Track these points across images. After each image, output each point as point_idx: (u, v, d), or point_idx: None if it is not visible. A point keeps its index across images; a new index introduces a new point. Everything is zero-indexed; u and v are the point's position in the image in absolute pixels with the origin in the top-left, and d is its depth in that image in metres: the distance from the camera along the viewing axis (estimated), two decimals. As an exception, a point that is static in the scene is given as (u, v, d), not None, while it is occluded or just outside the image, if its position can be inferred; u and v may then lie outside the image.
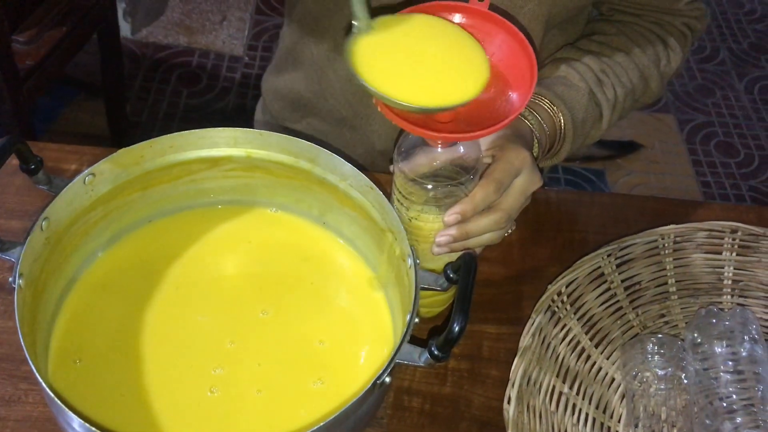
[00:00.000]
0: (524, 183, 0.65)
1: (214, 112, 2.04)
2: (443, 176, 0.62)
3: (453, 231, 0.62)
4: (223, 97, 2.10)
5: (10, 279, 0.53)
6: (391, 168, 0.65)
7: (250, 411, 0.59)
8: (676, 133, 2.24)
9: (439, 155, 0.61)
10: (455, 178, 0.62)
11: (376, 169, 0.89)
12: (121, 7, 2.06)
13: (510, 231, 0.67)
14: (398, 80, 0.55)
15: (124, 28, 2.14)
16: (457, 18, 0.59)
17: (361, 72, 0.55)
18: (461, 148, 0.61)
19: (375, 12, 0.57)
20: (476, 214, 0.62)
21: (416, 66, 0.56)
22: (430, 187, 0.62)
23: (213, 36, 2.27)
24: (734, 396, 0.66)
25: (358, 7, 0.55)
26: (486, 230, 0.63)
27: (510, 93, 0.58)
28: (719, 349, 0.69)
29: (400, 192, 0.64)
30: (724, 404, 0.66)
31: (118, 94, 1.87)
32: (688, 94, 2.34)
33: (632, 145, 2.17)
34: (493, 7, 0.60)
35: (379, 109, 0.56)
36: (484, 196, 0.62)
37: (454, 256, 0.59)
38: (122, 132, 1.88)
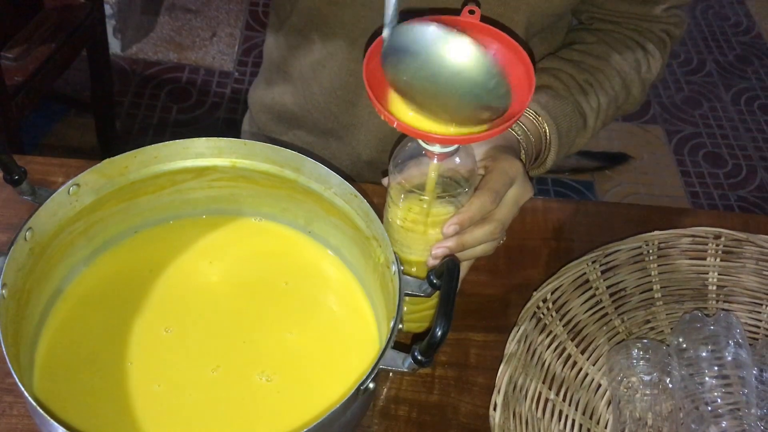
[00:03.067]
0: (517, 193, 0.66)
1: (204, 127, 2.05)
2: (438, 188, 0.62)
3: (450, 243, 0.62)
4: (213, 112, 2.11)
5: (-7, 289, 0.53)
6: (384, 181, 0.65)
7: (236, 421, 0.58)
8: (665, 144, 2.25)
9: (435, 166, 0.61)
10: (450, 190, 0.62)
11: (363, 179, 0.89)
12: (110, 24, 2.07)
13: (501, 242, 0.68)
14: (424, 108, 0.57)
15: (114, 45, 2.15)
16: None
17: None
18: (457, 159, 0.61)
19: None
20: (472, 224, 0.62)
21: (441, 91, 0.57)
22: (425, 198, 0.62)
23: (203, 52, 2.28)
24: (720, 400, 0.66)
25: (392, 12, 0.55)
26: (481, 241, 0.64)
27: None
28: (704, 354, 0.69)
29: (394, 203, 0.64)
30: (710, 408, 0.66)
31: (108, 110, 1.87)
32: (675, 105, 2.36)
33: (621, 156, 2.18)
34: (484, 18, 0.60)
35: (383, 117, 0.56)
36: (481, 206, 0.62)
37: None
38: (112, 148, 1.88)
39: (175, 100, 2.11)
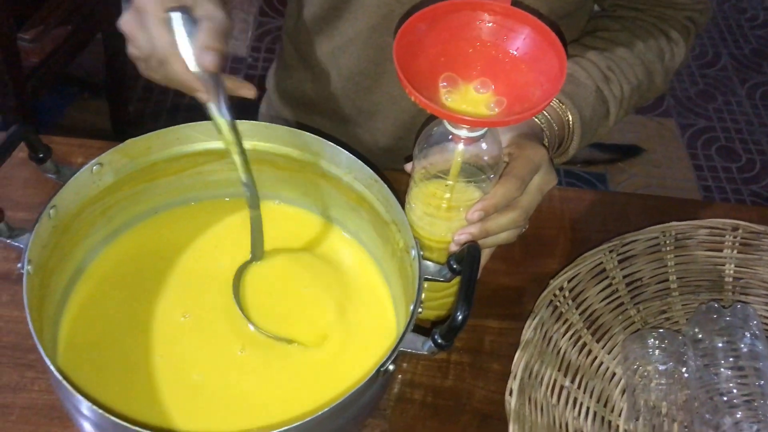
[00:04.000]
0: (542, 181, 0.65)
1: (217, 112, 2.05)
2: (463, 174, 0.62)
3: (473, 229, 0.62)
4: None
5: (19, 265, 0.54)
6: (407, 166, 0.65)
7: (255, 398, 0.59)
8: (678, 137, 2.25)
9: (460, 152, 0.61)
10: (474, 176, 0.62)
11: (380, 166, 0.89)
12: (125, 7, 2.07)
13: (524, 229, 0.68)
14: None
15: (129, 29, 2.15)
16: (483, 15, 0.59)
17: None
18: (483, 144, 0.60)
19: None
20: (496, 212, 0.62)
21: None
22: (450, 184, 0.61)
23: (216, 37, 2.27)
24: (735, 391, 0.66)
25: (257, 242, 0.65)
26: (505, 228, 0.63)
27: (536, 86, 0.58)
28: (720, 345, 0.69)
29: (418, 189, 0.64)
30: (725, 399, 0.66)
31: (121, 93, 1.88)
32: (689, 98, 2.35)
33: (634, 148, 2.18)
34: (516, 3, 0.60)
35: (413, 99, 0.56)
36: (506, 193, 0.62)
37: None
38: (125, 131, 1.88)
39: (189, 85, 2.11)
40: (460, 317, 0.50)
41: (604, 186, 2.07)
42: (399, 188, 0.67)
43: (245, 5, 2.39)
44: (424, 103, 0.55)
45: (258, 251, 0.66)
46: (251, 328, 0.63)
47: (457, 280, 0.60)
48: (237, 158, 0.61)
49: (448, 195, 0.62)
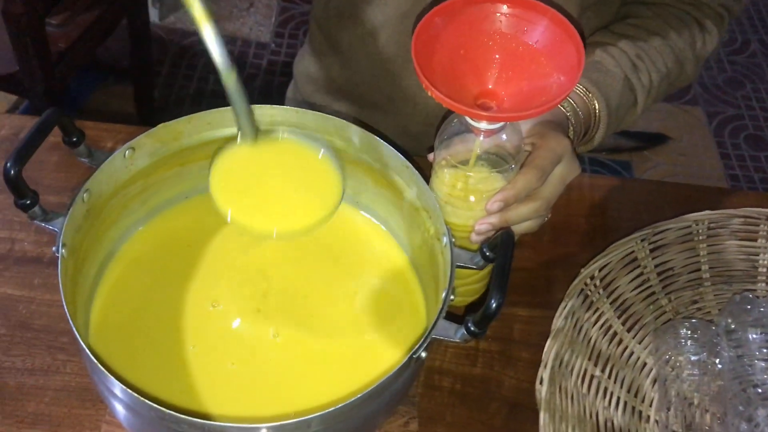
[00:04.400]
0: (564, 171, 0.65)
1: (240, 98, 2.05)
2: (484, 164, 0.62)
3: (493, 219, 0.61)
4: (250, 83, 2.11)
5: (54, 249, 0.54)
6: (430, 156, 0.65)
7: (285, 384, 0.59)
8: (705, 125, 2.21)
9: (481, 143, 0.61)
10: (495, 166, 0.62)
11: (410, 152, 0.89)
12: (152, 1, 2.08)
13: (546, 219, 0.67)
14: (247, 202, 0.58)
15: (153, 14, 2.16)
16: (501, 7, 0.59)
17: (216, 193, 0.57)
18: (503, 135, 0.60)
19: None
20: (517, 202, 0.62)
21: (265, 189, 0.59)
22: (471, 174, 0.61)
23: (240, 23, 2.28)
24: (769, 383, 0.66)
25: (244, 121, 0.56)
26: (525, 218, 0.63)
27: (554, 78, 0.57)
28: (753, 336, 0.68)
29: (439, 179, 0.64)
30: (759, 391, 0.65)
31: (147, 79, 1.88)
32: (717, 86, 2.31)
33: (660, 137, 2.15)
34: None
35: (430, 93, 0.56)
36: (527, 183, 0.61)
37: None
38: (150, 116, 1.89)
39: (212, 71, 2.09)
40: (494, 305, 0.49)
41: (629, 174, 2.05)
42: (428, 175, 0.66)
43: (268, -9, 2.38)
44: (440, 99, 0.55)
45: (246, 129, 0.57)
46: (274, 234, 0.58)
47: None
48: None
49: (468, 185, 0.62)
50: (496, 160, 0.62)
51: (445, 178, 0.63)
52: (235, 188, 0.58)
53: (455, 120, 0.62)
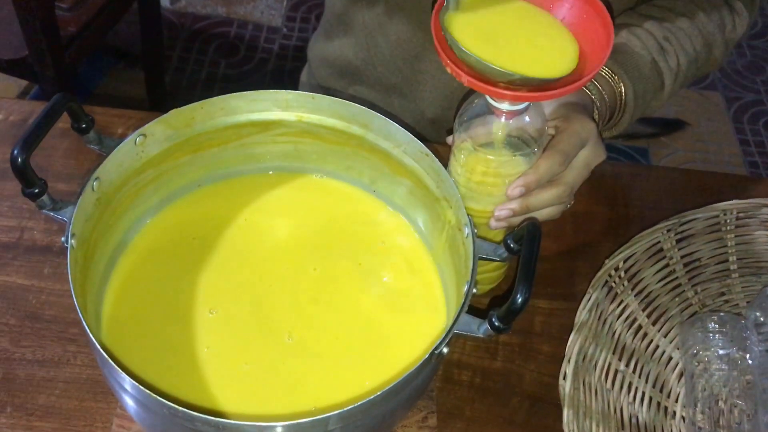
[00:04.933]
0: (589, 156, 0.62)
1: (252, 83, 2.03)
2: (505, 147, 0.59)
3: (514, 205, 0.59)
4: (261, 68, 2.09)
5: (62, 239, 0.53)
6: (449, 139, 0.63)
7: (301, 381, 0.57)
8: (723, 111, 2.17)
9: (502, 125, 0.58)
10: (517, 149, 0.60)
11: (427, 138, 0.87)
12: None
13: (569, 206, 0.65)
14: (496, 50, 0.54)
15: (164, -2, 2.14)
16: None
17: (460, 41, 0.53)
18: (526, 117, 0.58)
19: None
20: (539, 187, 0.59)
21: (511, 39, 0.56)
22: (492, 158, 0.59)
23: (251, 7, 2.25)
24: (800, 378, 0.63)
25: None
26: (547, 204, 0.61)
27: (582, 56, 0.55)
28: (784, 330, 0.66)
29: (458, 163, 0.61)
30: (790, 387, 0.63)
31: (157, 63, 1.86)
32: (736, 71, 2.27)
33: (677, 123, 2.11)
34: None
35: (449, 70, 0.53)
36: (549, 167, 0.59)
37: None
38: (160, 101, 1.87)
39: (223, 56, 2.09)
40: (520, 300, 0.47)
41: (646, 160, 2.02)
42: (447, 161, 0.64)
43: (280, -26, 2.35)
44: (460, 76, 0.52)
45: None
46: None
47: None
48: None
49: (489, 169, 0.60)
50: (518, 143, 0.60)
51: (464, 161, 0.61)
52: (476, 34, 0.55)
53: (476, 101, 0.59)
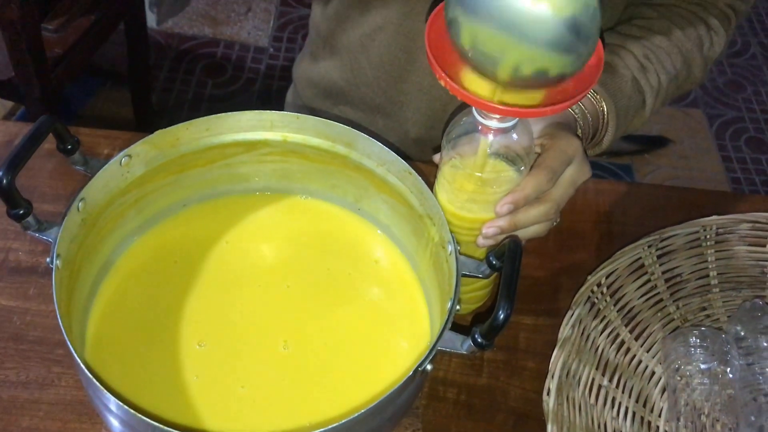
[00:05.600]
0: (575, 173, 0.63)
1: (239, 103, 2.04)
2: (493, 165, 0.60)
3: (502, 222, 0.60)
4: (248, 88, 2.10)
5: (48, 259, 0.53)
6: (435, 157, 0.63)
7: (285, 399, 0.58)
8: (706, 128, 2.20)
9: (490, 142, 0.59)
10: (505, 167, 0.60)
11: (410, 157, 0.87)
12: (151, 8, 2.07)
13: (555, 223, 0.66)
14: None
15: (150, 19, 2.14)
16: None
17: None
18: (514, 135, 0.59)
19: None
20: (527, 204, 0.60)
21: None
22: (479, 175, 0.60)
23: (238, 27, 2.26)
24: (781, 392, 0.64)
25: None
26: (535, 221, 0.62)
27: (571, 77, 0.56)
28: (764, 344, 0.67)
29: (446, 180, 0.62)
30: (770, 400, 0.64)
31: (144, 84, 1.87)
32: (717, 89, 2.30)
33: (660, 140, 2.14)
34: None
35: (443, 84, 0.54)
36: (537, 185, 0.60)
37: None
38: (148, 122, 1.88)
39: (210, 75, 2.10)
40: (502, 316, 0.48)
41: (630, 177, 2.04)
42: (432, 180, 0.65)
43: (266, -5, 2.37)
44: (453, 89, 0.53)
45: None
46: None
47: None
48: None
49: (476, 186, 0.60)
50: (505, 161, 0.61)
51: (452, 179, 0.62)
52: None
53: (464, 119, 0.60)
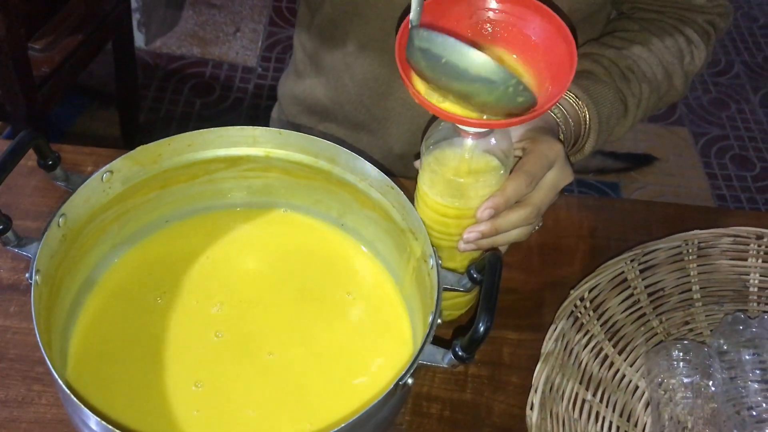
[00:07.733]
0: (556, 177, 0.63)
1: (227, 122, 2.02)
2: (473, 170, 0.60)
3: (483, 227, 0.60)
4: (237, 107, 2.11)
5: (27, 275, 0.53)
6: (416, 163, 0.63)
7: (268, 415, 0.57)
8: (691, 146, 2.22)
9: (469, 147, 0.59)
10: (485, 171, 0.60)
11: (395, 173, 0.88)
12: (135, 18, 2.07)
13: (537, 228, 0.65)
14: None
15: (138, 39, 2.15)
16: (491, 2, 0.58)
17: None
18: (492, 139, 0.59)
19: None
20: (507, 208, 0.60)
21: None
22: (460, 180, 0.59)
23: (226, 47, 2.27)
24: (764, 405, 0.64)
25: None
26: (515, 226, 0.61)
27: (545, 84, 0.56)
28: (747, 357, 0.67)
29: (426, 185, 0.62)
30: (753, 413, 0.64)
31: (132, 103, 1.87)
32: (702, 107, 2.33)
33: (646, 157, 2.15)
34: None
35: (416, 100, 0.54)
36: (516, 189, 0.60)
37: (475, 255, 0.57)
38: (135, 141, 1.87)
39: (199, 95, 2.11)
40: (482, 329, 0.48)
41: (617, 195, 2.05)
42: (413, 196, 0.65)
43: (255, 15, 2.38)
44: (425, 103, 0.53)
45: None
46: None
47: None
48: None
49: (457, 192, 0.60)
50: (485, 165, 0.60)
51: (431, 185, 0.61)
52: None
53: (442, 123, 0.60)
